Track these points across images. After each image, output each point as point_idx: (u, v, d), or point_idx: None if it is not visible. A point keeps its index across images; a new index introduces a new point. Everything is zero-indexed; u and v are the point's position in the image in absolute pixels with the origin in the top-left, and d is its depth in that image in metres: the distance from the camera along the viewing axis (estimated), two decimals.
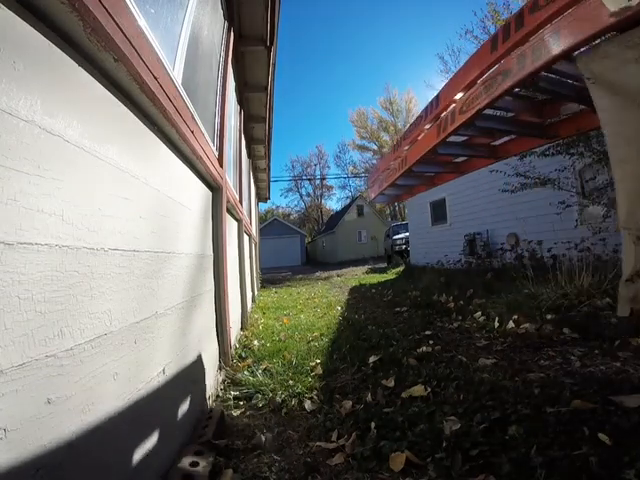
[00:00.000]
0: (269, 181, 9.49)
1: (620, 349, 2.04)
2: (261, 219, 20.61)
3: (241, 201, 4.20)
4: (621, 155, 1.32)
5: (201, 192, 2.02)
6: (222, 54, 2.72)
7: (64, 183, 0.75)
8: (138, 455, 0.97)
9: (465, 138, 2.80)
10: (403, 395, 1.78)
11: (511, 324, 2.75)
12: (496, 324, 2.86)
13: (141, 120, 1.16)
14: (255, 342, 2.96)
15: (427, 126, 2.57)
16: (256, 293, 6.43)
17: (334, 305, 5.27)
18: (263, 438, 1.48)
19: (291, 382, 2.07)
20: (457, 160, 3.26)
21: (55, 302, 0.71)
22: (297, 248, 27.85)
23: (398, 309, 4.37)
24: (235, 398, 1.91)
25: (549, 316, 2.82)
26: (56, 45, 0.75)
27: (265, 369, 2.30)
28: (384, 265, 14.34)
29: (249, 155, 6.39)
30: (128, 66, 0.94)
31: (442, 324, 3.34)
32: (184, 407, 1.40)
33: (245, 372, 2.21)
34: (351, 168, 42.15)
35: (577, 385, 1.64)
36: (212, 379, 1.94)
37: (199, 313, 1.80)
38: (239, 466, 1.31)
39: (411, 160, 2.78)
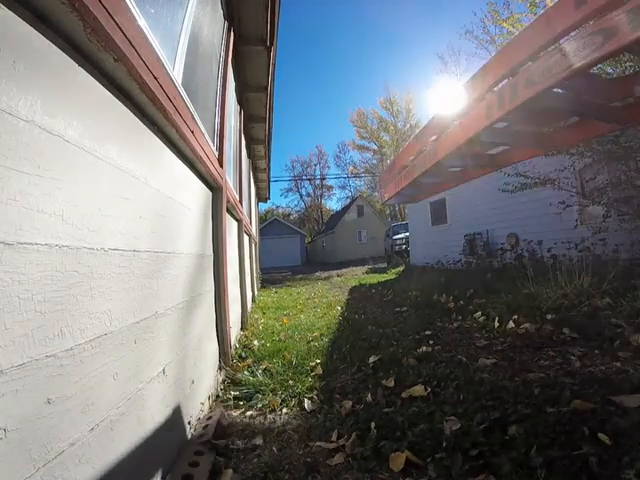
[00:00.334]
0: (269, 181, 9.50)
1: (620, 349, 2.05)
2: (261, 219, 20.62)
3: (241, 201, 4.20)
4: None
5: (201, 192, 2.02)
6: (222, 54, 2.72)
7: (64, 183, 0.75)
8: (138, 455, 0.97)
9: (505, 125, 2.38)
10: (403, 395, 1.78)
11: (511, 324, 2.75)
12: (496, 324, 2.86)
13: (141, 120, 1.16)
14: (255, 342, 2.96)
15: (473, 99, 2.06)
16: (256, 293, 6.42)
17: (334, 305, 5.26)
18: (263, 438, 1.48)
19: (291, 382, 2.07)
20: (491, 152, 2.86)
21: (55, 302, 0.71)
22: (297, 248, 27.84)
23: (398, 309, 4.36)
24: (235, 398, 1.91)
25: (549, 316, 2.82)
26: (56, 45, 0.75)
27: (265, 369, 2.29)
28: (384, 265, 14.34)
29: (249, 155, 6.39)
30: (128, 66, 0.94)
31: (442, 324, 3.34)
32: (184, 407, 1.40)
33: (245, 372, 2.21)
34: (351, 168, 42.16)
35: (577, 385, 1.64)
36: (212, 379, 1.94)
37: (199, 313, 1.80)
38: (239, 466, 1.31)
39: (441, 153, 2.47)
